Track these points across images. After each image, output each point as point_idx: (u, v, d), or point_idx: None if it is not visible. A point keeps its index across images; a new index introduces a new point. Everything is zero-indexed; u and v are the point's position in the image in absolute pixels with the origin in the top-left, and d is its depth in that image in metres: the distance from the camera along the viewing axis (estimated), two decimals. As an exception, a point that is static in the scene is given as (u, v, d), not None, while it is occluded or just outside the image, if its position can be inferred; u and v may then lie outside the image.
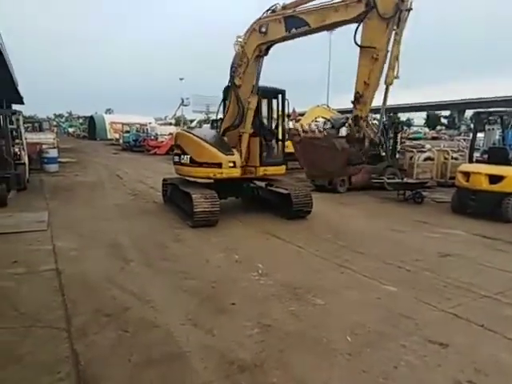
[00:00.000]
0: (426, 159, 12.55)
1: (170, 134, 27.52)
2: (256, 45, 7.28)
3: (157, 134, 29.96)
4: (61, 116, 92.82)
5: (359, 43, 5.79)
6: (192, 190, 7.09)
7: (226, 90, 8.11)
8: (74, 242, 5.86)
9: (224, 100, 8.29)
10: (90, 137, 47.94)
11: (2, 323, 3.39)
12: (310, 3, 6.79)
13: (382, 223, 7.65)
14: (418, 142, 16.96)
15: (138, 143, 29.57)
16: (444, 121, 75.24)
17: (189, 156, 7.70)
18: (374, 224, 7.64)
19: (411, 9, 5.59)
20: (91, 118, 50.13)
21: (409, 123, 67.59)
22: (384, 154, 12.15)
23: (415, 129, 54.07)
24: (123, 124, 35.48)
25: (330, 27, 6.67)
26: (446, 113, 73.68)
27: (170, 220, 7.52)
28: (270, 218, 7.80)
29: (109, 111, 69.85)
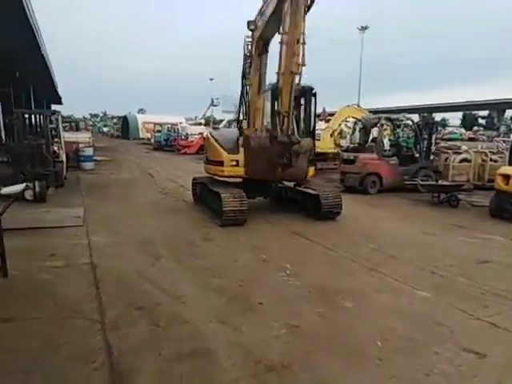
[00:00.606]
0: (462, 161, 12.07)
1: (200, 133, 27.92)
2: (255, 42, 7.38)
3: (187, 134, 30.46)
4: (96, 116, 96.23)
5: None
6: (221, 190, 7.17)
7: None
8: (108, 237, 6.07)
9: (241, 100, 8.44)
10: (124, 136, 49.42)
11: (42, 313, 3.56)
12: None
13: (415, 226, 7.42)
14: (453, 143, 16.37)
15: (168, 143, 30.19)
16: (482, 121, 71.98)
17: (206, 154, 8.29)
18: (406, 227, 7.43)
19: None
20: (125, 117, 51.67)
21: (444, 123, 65.14)
22: (417, 155, 11.79)
23: (450, 129, 52.03)
24: (155, 124, 36.31)
25: (274, 17, 6.62)
26: (484, 113, 70.47)
27: (200, 218, 7.63)
28: (299, 218, 7.75)
29: (141, 111, 71.73)
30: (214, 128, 27.68)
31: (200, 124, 42.42)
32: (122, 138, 48.71)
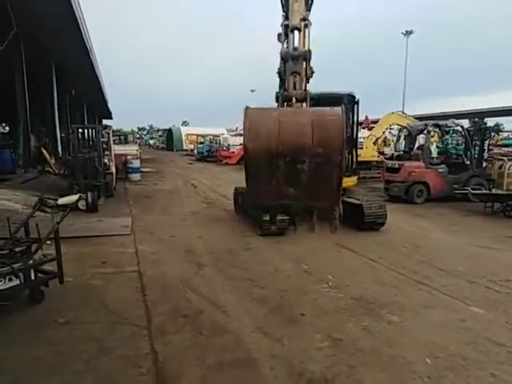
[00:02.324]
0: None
1: (241, 144, 28.27)
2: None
3: (228, 145, 31.03)
4: (143, 129, 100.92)
5: None
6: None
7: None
8: (154, 246, 6.31)
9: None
10: (168, 148, 51.32)
11: (94, 318, 3.76)
12: None
13: (467, 238, 7.01)
14: (509, 150, 15.35)
15: (210, 153, 30.91)
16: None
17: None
18: (456, 239, 7.04)
19: None
20: (169, 130, 53.70)
21: (498, 129, 61.16)
22: (468, 162, 11.18)
23: (505, 135, 48.78)
24: (197, 135, 37.37)
25: None
26: (544, 116, 65.29)
27: (240, 228, 7.71)
28: (341, 229, 7.58)
29: (185, 123, 74.24)
30: None
31: (241, 135, 43.00)
32: (166, 150, 50.57)
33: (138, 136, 68.74)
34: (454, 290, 4.46)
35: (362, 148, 15.56)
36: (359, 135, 14.59)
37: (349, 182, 7.85)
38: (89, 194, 9.10)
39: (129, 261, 5.52)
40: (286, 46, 7.14)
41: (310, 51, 6.22)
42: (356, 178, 8.04)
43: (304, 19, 6.49)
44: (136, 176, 16.43)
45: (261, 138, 5.13)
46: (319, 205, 5.70)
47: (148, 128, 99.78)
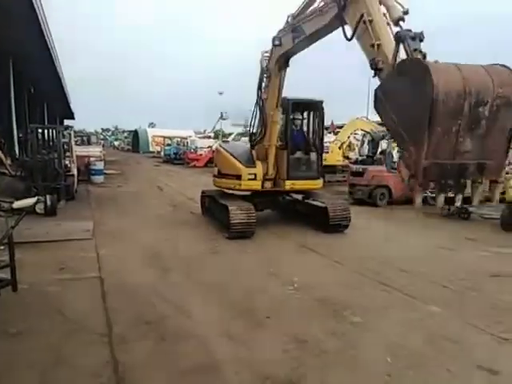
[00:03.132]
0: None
1: (209, 146, 28.16)
2: (276, 58, 7.36)
3: (196, 147, 30.75)
4: (107, 130, 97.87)
5: (349, 36, 5.00)
6: (229, 202, 7.19)
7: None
8: (117, 250, 6.11)
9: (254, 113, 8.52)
10: (134, 150, 50.16)
11: (50, 327, 3.57)
12: (309, 10, 6.49)
13: (425, 239, 7.32)
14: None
15: (178, 156, 30.52)
16: None
17: (217, 168, 8.12)
18: (416, 240, 7.33)
19: None
20: (135, 132, 52.48)
21: (453, 135, 64.37)
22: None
23: (460, 141, 51.49)
24: (164, 137, 36.81)
25: (319, 34, 6.25)
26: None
27: (208, 231, 7.64)
28: (307, 231, 7.72)
29: (151, 125, 72.71)
30: (224, 141, 27.94)
31: (209, 137, 42.84)
32: (132, 152, 49.38)
33: (102, 137, 66.63)
34: (413, 290, 4.63)
35: (327, 152, 15.89)
36: (325, 140, 14.88)
37: (314, 184, 7.96)
38: (48, 196, 8.69)
39: (89, 266, 5.30)
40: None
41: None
42: (322, 181, 8.20)
43: None
44: (99, 178, 15.89)
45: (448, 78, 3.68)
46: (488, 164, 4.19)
47: (113, 129, 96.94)
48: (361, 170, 11.47)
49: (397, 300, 4.40)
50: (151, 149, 45.76)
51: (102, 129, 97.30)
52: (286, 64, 7.50)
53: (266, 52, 7.63)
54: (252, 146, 7.97)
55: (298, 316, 3.94)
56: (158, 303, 4.15)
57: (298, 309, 4.11)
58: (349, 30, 5.06)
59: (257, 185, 7.57)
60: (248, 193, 7.95)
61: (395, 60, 4.42)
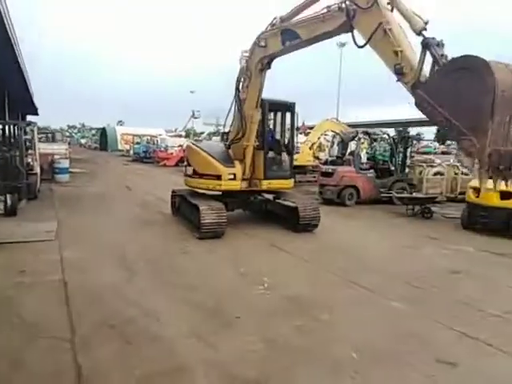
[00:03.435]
0: (435, 174, 12.45)
1: (180, 145, 27.81)
2: (258, 59, 7.35)
3: (167, 146, 30.28)
4: (74, 127, 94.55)
5: (363, 43, 5.41)
6: (199, 202, 7.13)
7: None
8: (82, 252, 5.90)
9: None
10: (102, 148, 48.74)
11: (8, 332, 3.41)
12: (302, 14, 6.73)
13: (391, 238, 7.57)
14: (428, 157, 16.88)
15: (147, 155, 29.93)
16: (455, 136, 74.50)
17: (192, 168, 7.88)
18: (382, 239, 7.56)
19: None
20: (103, 129, 50.99)
21: (419, 138, 67.14)
22: (393, 168, 12.09)
23: (425, 143, 53.72)
24: (134, 135, 35.99)
25: (319, 39, 6.48)
26: (457, 127, 73.01)
27: (178, 232, 7.54)
28: (277, 230, 7.78)
29: (120, 123, 70.89)
30: (196, 140, 27.65)
31: (180, 136, 42.30)
32: (100, 150, 47.96)
33: (67, 134, 64.22)
34: (379, 287, 4.77)
35: (298, 153, 16.08)
36: (296, 140, 15.04)
37: (287, 184, 8.08)
38: (8, 196, 8.28)
39: (52, 269, 5.09)
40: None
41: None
42: (292, 180, 8.31)
43: None
44: (64, 177, 15.30)
45: None
46: None
47: (79, 126, 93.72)
48: (330, 170, 11.67)
49: (363, 297, 4.52)
50: (120, 147, 44.60)
51: (68, 126, 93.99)
52: (269, 65, 7.52)
53: (246, 52, 7.59)
54: (228, 146, 7.95)
55: (268, 315, 3.97)
56: (123, 306, 4.05)
57: (268, 308, 4.13)
58: (358, 37, 5.45)
59: (236, 185, 7.54)
60: (219, 193, 7.91)
61: (422, 65, 4.93)
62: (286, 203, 8.04)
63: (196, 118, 51.78)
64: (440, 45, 4.93)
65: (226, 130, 8.84)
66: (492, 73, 4.30)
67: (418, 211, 9.82)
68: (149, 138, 33.91)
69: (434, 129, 75.70)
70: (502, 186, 7.85)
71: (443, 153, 36.83)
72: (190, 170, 7.99)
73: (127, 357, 3.11)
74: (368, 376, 2.96)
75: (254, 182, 7.76)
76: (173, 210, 9.23)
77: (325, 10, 6.08)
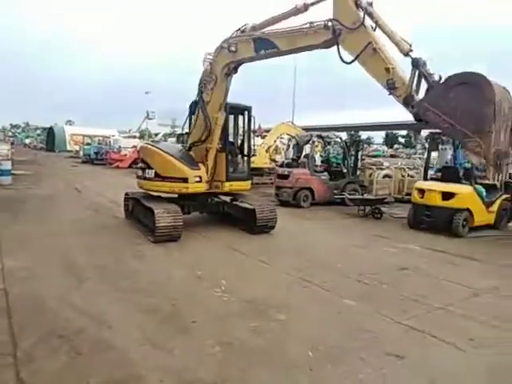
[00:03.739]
0: (384, 176, 13.11)
1: (134, 146, 27.02)
2: (225, 63, 7.36)
3: (120, 147, 29.29)
4: (17, 126, 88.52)
5: (351, 58, 6.09)
6: (154, 205, 6.95)
7: (193, 105, 8.13)
8: (26, 260, 5.52)
9: (191, 114, 8.32)
10: (48, 148, 46.17)
11: None
12: (277, 25, 6.99)
13: (344, 238, 7.84)
14: (377, 160, 17.71)
15: (99, 156, 28.79)
16: (401, 140, 79.13)
17: (153, 170, 7.54)
18: (336, 239, 7.81)
19: (371, 1, 6.09)
20: (50, 129, 48.25)
21: (369, 141, 70.40)
22: (345, 170, 12.56)
23: (375, 147, 56.35)
24: (84, 136, 34.44)
25: (299, 51, 6.86)
26: (403, 132, 77.59)
27: (131, 235, 7.29)
28: (235, 233, 7.78)
29: (69, 122, 67.35)
30: (154, 141, 26.98)
31: (134, 137, 41.06)
32: (46, 151, 45.26)
33: (10, 134, 59.99)
34: (332, 286, 4.92)
35: (255, 155, 16.21)
36: (253, 143, 15.12)
37: (246, 185, 8.22)
38: None
39: (-9, 278, 4.72)
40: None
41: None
42: (249, 182, 8.41)
43: None
44: (6, 179, 14.26)
45: None
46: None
47: (23, 125, 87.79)
48: (286, 172, 11.89)
49: (317, 296, 4.64)
50: (69, 148, 42.51)
51: (11, 125, 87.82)
52: (235, 70, 7.56)
53: (210, 54, 7.52)
54: (189, 148, 7.82)
55: (225, 318, 3.95)
56: (72, 315, 3.84)
57: (225, 311, 4.11)
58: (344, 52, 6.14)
59: (201, 187, 7.48)
60: (175, 195, 7.77)
61: (413, 81, 5.90)
62: (243, 205, 8.06)
63: (151, 118, 50.55)
64: (426, 63, 5.89)
65: (183, 131, 8.78)
66: (491, 86, 5.56)
67: (368, 212, 10.27)
68: (101, 138, 32.61)
69: (382, 133, 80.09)
70: (444, 187, 8.59)
71: (392, 156, 38.78)
72: (150, 173, 7.59)
73: (77, 369, 2.95)
74: (322, 372, 3.04)
75: (216, 184, 7.77)
76: (126, 214, 8.92)
77: (307, 25, 6.43)
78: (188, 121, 8.41)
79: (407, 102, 5.92)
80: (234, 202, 8.35)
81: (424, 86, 6.06)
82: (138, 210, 8.17)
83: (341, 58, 6.08)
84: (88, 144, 32.60)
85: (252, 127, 8.41)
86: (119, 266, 5.51)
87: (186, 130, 8.59)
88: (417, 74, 5.97)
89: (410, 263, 6.06)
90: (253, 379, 2.94)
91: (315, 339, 3.54)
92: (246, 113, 8.23)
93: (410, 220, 8.97)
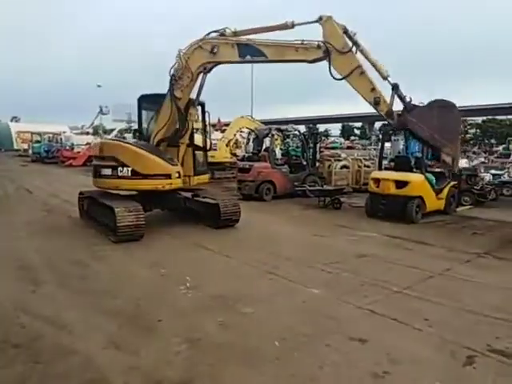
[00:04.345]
0: (342, 167, 13.53)
1: (88, 143, 25.91)
2: (201, 62, 7.35)
3: (73, 144, 27.97)
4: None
5: (340, 76, 7.30)
6: (114, 204, 6.69)
7: (142, 99, 8.20)
8: (-28, 266, 5.16)
9: (140, 110, 8.31)
10: (-8, 147, 42.92)
11: None
12: (263, 34, 7.49)
13: (305, 229, 8.01)
14: (335, 151, 18.22)
15: (50, 154, 27.32)
16: (357, 132, 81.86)
17: (129, 168, 7.11)
18: (298, 230, 7.97)
19: (356, 32, 7.43)
20: (-7, 126, 44.94)
21: (327, 134, 72.23)
22: (305, 162, 12.79)
23: (332, 139, 57.86)
24: (33, 133, 32.49)
25: (286, 62, 7.51)
26: (358, 124, 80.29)
27: (89, 236, 7.01)
28: (198, 228, 7.71)
29: (15, 119, 63.05)
30: (120, 137, 25.89)
31: (87, 133, 39.29)
32: (-10, 150, 42.16)
33: None
34: (296, 276, 5.02)
35: (215, 149, 16.09)
36: (213, 137, 15.05)
37: (207, 179, 8.61)
38: None
39: None
40: None
41: None
42: (208, 176, 8.80)
43: None
44: None
45: None
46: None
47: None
48: (247, 166, 11.91)
49: (283, 286, 4.72)
50: (16, 146, 39.91)
51: None
52: (210, 70, 7.57)
53: (181, 50, 7.34)
54: (157, 144, 7.60)
55: (191, 315, 3.92)
56: (28, 322, 3.64)
57: (191, 308, 4.08)
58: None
59: (180, 183, 7.51)
60: (135, 192, 7.54)
61: (393, 99, 7.70)
62: (206, 200, 8.01)
63: (104, 114, 48.56)
64: (398, 87, 7.66)
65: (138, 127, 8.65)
66: (459, 111, 8.17)
67: (328, 202, 10.55)
68: (51, 135, 30.84)
69: (339, 125, 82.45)
70: (397, 176, 9.19)
71: (348, 147, 40.00)
72: (125, 171, 7.11)
73: (35, 378, 2.81)
74: (290, 362, 3.10)
75: (183, 179, 7.72)
76: (81, 213, 8.55)
77: (299, 42, 7.26)
78: (138, 116, 8.47)
79: (389, 114, 7.57)
80: (196, 198, 8.26)
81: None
82: (94, 209, 7.85)
83: (331, 74, 7.23)
84: (37, 142, 30.72)
85: (207, 122, 8.48)
86: (78, 267, 5.28)
87: (144, 126, 8.42)
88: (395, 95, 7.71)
89: (369, 250, 6.31)
90: (221, 374, 2.94)
91: (282, 329, 3.61)
92: (200, 108, 8.26)
93: (368, 209, 9.32)
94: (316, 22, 7.41)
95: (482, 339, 3.43)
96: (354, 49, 7.40)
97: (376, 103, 7.35)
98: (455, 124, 8.30)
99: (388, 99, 7.77)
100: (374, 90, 7.35)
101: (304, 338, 3.48)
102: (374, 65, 7.49)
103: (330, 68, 7.28)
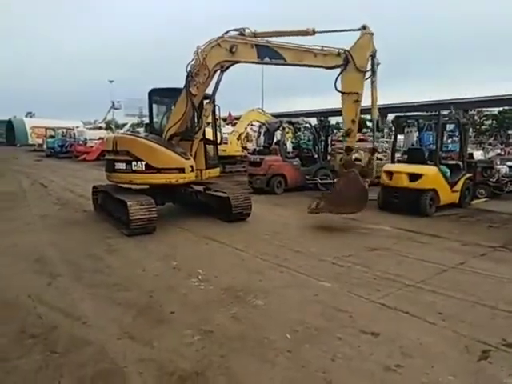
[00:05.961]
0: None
1: (101, 138, 26.18)
2: (219, 60, 7.34)
3: (86, 139, 28.31)
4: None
5: (340, 89, 7.04)
6: (127, 198, 6.78)
7: (151, 93, 8.28)
8: (-9, 259, 5.29)
9: (151, 104, 8.38)
10: (9, 142, 43.88)
11: None
12: (279, 38, 7.42)
13: (316, 222, 7.97)
14: (347, 144, 17.98)
15: (64, 149, 27.73)
16: (369, 124, 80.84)
17: (143, 163, 7.20)
18: (308, 223, 7.93)
19: (380, 63, 7.16)
20: (9, 122, 45.79)
21: (338, 127, 71.37)
22: (316, 156, 12.70)
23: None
24: (47, 128, 32.98)
25: (304, 66, 7.39)
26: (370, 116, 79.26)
27: (103, 229, 7.12)
28: (209, 222, 7.75)
29: (30, 115, 64.15)
30: (133, 131, 26.14)
31: (100, 128, 39.70)
32: (6, 145, 43.03)
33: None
34: (308, 269, 5.02)
35: (226, 143, 16.10)
36: (224, 131, 15.06)
37: (216, 173, 8.61)
38: None
39: (-46, 280, 4.49)
40: None
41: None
42: (218, 169, 8.83)
43: None
44: (-37, 176, 13.50)
45: None
46: None
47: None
48: (258, 160, 11.89)
49: (294, 279, 4.72)
50: (31, 141, 40.61)
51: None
52: (227, 69, 7.59)
53: (199, 47, 7.30)
54: (170, 138, 7.63)
55: (203, 307, 3.95)
56: (45, 313, 3.73)
57: (203, 300, 4.12)
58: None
59: (193, 176, 7.62)
60: (146, 186, 7.62)
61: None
62: (217, 194, 8.04)
63: (117, 108, 49.00)
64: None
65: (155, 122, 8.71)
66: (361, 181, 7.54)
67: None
68: (64, 130, 31.27)
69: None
70: (410, 168, 8.99)
71: (360, 140, 39.53)
72: (139, 165, 7.21)
73: (52, 367, 2.88)
74: (301, 354, 3.11)
75: (196, 173, 7.79)
76: (95, 207, 8.68)
77: (319, 48, 7.12)
78: (149, 110, 8.52)
79: (347, 150, 7.57)
80: (208, 192, 8.30)
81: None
82: (108, 204, 7.96)
83: (335, 83, 7.04)
84: (51, 137, 31.20)
85: (216, 115, 8.55)
86: (92, 260, 5.38)
87: (155, 120, 8.48)
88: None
89: (381, 244, 6.25)
90: (233, 365, 2.97)
91: (293, 322, 3.62)
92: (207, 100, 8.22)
93: (380, 202, 9.23)
94: (358, 30, 7.05)
95: (497, 333, 3.38)
96: (367, 75, 7.11)
97: (348, 134, 7.34)
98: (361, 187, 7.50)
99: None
100: (354, 122, 7.21)
101: (315, 330, 3.48)
102: (373, 101, 7.36)
103: (337, 77, 7.02)
